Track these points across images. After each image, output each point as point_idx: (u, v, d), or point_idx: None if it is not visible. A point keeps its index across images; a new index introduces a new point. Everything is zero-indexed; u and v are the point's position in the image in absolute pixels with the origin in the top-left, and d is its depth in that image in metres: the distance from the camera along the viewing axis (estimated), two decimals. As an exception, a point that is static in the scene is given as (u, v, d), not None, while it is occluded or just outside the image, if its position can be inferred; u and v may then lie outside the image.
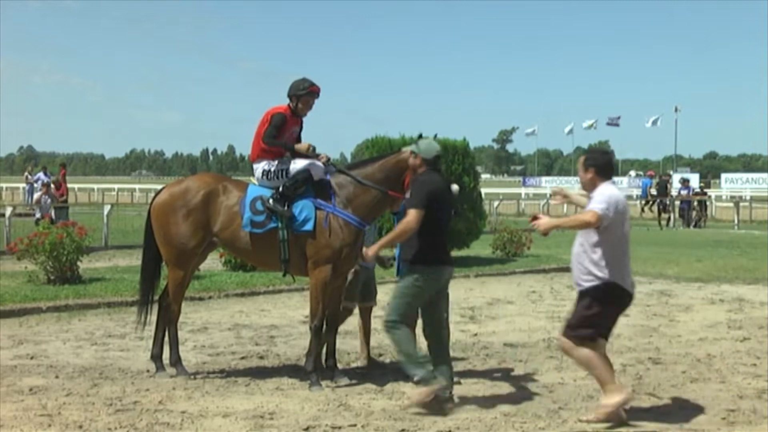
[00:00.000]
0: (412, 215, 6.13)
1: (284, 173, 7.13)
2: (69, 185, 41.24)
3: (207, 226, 7.21)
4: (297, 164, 7.10)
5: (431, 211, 6.18)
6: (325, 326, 7.11)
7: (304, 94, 7.21)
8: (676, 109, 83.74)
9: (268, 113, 7.28)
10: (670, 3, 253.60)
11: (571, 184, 73.89)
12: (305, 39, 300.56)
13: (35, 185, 30.07)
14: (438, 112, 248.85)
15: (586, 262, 5.88)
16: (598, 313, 5.86)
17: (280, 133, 7.20)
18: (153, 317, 7.55)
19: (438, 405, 6.08)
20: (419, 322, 6.53)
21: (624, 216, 5.91)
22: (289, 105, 7.30)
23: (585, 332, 5.89)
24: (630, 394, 5.98)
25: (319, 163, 7.12)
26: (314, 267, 6.92)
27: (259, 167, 7.26)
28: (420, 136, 6.79)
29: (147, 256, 7.59)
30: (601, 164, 5.98)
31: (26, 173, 35.60)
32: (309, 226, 6.91)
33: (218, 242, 7.43)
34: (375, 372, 7.41)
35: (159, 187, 8.85)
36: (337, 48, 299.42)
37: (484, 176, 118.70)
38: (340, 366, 7.39)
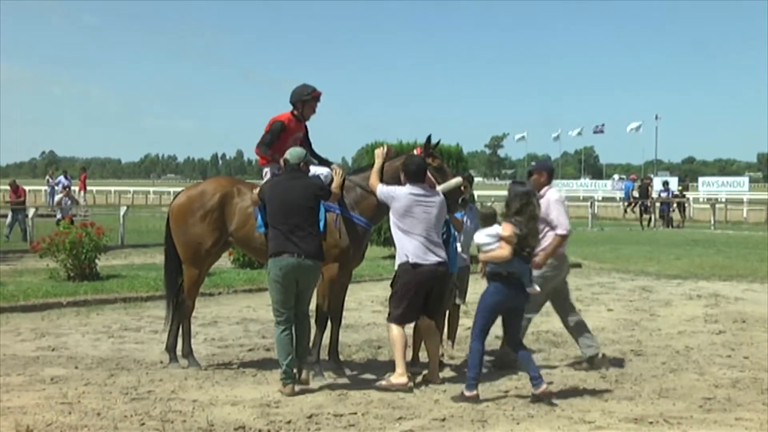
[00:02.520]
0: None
1: None
2: (88, 188, 41.34)
3: (223, 227, 7.17)
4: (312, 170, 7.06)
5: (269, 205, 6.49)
6: (330, 321, 7.11)
7: (309, 99, 7.22)
8: (656, 117, 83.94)
9: (271, 120, 7.26)
10: (650, 18, 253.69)
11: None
12: (308, 49, 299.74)
13: (56, 188, 29.96)
14: (433, 119, 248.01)
15: None
16: (394, 293, 6.53)
17: (279, 140, 7.14)
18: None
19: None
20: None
21: (407, 207, 6.46)
22: (292, 111, 7.29)
23: (393, 312, 6.50)
24: (407, 387, 6.30)
25: (326, 170, 7.09)
26: (323, 264, 6.90)
27: (268, 171, 7.23)
28: (429, 139, 6.89)
29: (169, 256, 7.49)
30: (409, 170, 6.61)
31: (48, 177, 35.42)
32: (320, 227, 6.88)
33: (233, 241, 7.39)
34: (374, 364, 7.41)
35: (172, 189, 8.82)
36: (339, 57, 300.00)
37: (477, 179, 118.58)
38: (342, 358, 7.37)
